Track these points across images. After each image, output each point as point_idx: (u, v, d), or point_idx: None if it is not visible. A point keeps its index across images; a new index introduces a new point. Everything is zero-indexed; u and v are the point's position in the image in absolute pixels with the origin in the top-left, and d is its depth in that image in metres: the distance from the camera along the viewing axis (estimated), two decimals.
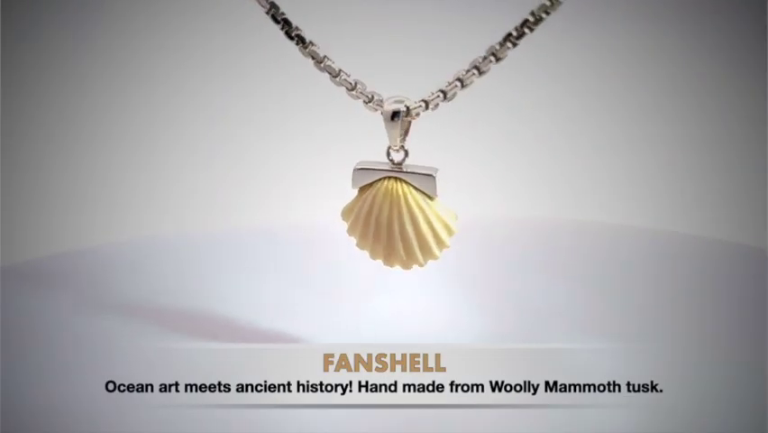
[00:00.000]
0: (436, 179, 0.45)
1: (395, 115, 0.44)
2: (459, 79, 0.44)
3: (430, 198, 0.45)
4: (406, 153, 0.45)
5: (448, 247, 0.46)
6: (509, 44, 0.43)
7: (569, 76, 0.73)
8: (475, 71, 0.44)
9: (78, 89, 0.71)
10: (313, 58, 0.43)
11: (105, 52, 0.72)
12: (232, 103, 0.72)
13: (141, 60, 0.72)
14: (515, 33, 0.43)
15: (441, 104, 0.44)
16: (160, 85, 0.72)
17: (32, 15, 0.71)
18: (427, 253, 0.46)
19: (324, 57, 0.43)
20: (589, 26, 0.72)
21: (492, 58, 0.43)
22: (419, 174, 0.45)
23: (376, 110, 0.44)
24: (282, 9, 0.43)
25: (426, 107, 0.44)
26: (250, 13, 0.43)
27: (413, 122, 0.44)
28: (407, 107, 0.44)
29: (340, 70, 0.44)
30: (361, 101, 0.44)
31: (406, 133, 0.45)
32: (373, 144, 0.45)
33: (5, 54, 0.69)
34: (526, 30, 0.42)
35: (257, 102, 0.71)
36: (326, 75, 0.44)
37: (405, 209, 0.45)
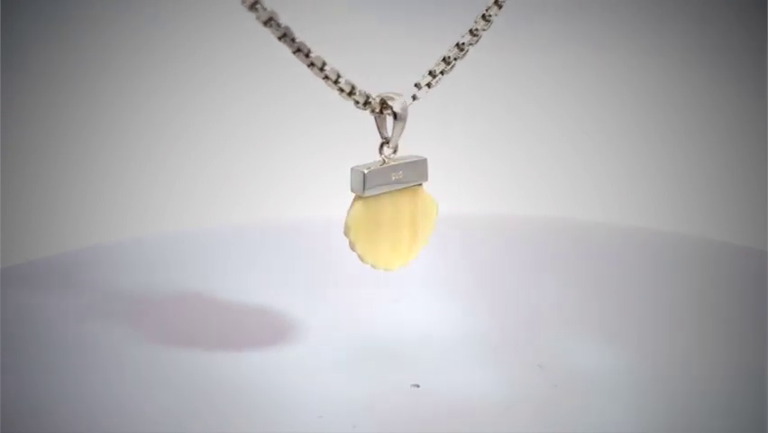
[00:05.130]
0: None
1: (400, 113, 0.44)
2: (431, 73, 0.45)
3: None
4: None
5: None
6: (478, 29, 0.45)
7: (570, 77, 0.73)
8: (443, 64, 0.45)
9: (79, 90, 0.71)
10: (312, 64, 0.43)
11: (105, 53, 0.72)
12: (231, 103, 0.72)
13: (141, 61, 0.72)
14: (476, 27, 0.44)
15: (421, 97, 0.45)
16: (160, 86, 0.72)
17: (32, 16, 0.71)
18: None
19: (324, 62, 0.43)
20: (590, 26, 0.72)
21: (458, 50, 0.45)
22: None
23: (375, 111, 0.44)
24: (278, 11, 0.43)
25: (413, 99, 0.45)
26: (249, 15, 0.43)
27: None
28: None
29: (338, 75, 0.43)
30: (351, 102, 0.44)
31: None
32: (374, 143, 0.45)
33: (5, 54, 0.69)
34: (485, 22, 0.44)
35: (257, 102, 0.71)
36: (320, 79, 0.44)
37: None
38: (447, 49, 0.46)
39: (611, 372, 0.46)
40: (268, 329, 0.50)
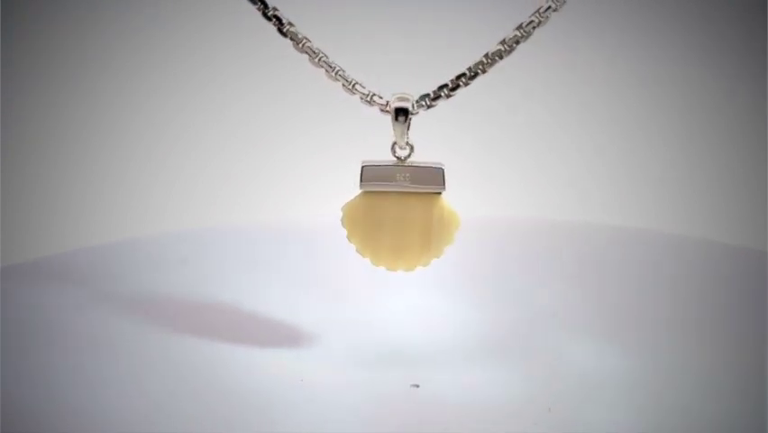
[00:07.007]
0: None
1: (402, 112, 0.44)
2: (459, 77, 0.44)
3: None
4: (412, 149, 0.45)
5: None
6: (506, 47, 0.44)
7: (570, 76, 0.73)
8: (471, 72, 0.45)
9: (79, 89, 0.71)
10: (307, 54, 0.43)
11: (105, 52, 0.72)
12: (232, 102, 0.72)
13: (141, 60, 0.72)
14: (513, 35, 0.44)
15: (439, 103, 0.45)
16: (160, 84, 0.72)
17: (32, 15, 0.71)
18: None
19: (320, 54, 0.43)
20: (590, 26, 0.72)
21: (488, 60, 0.44)
22: None
23: (381, 109, 0.44)
24: (277, 6, 0.43)
25: (428, 106, 0.44)
26: (249, 13, 0.43)
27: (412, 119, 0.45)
28: (413, 105, 0.44)
29: (338, 69, 0.43)
30: (357, 98, 0.44)
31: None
32: (377, 142, 0.45)
33: (5, 54, 0.69)
34: (523, 32, 0.43)
35: (257, 101, 0.71)
36: (322, 72, 0.44)
37: None
38: (483, 55, 0.45)
39: (612, 372, 0.46)
40: (267, 329, 0.50)
